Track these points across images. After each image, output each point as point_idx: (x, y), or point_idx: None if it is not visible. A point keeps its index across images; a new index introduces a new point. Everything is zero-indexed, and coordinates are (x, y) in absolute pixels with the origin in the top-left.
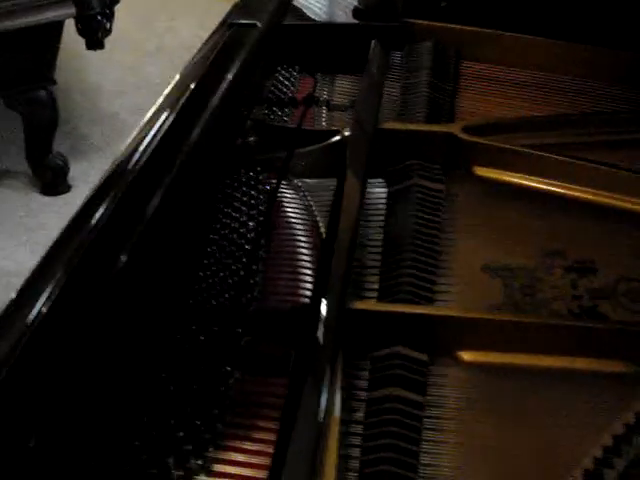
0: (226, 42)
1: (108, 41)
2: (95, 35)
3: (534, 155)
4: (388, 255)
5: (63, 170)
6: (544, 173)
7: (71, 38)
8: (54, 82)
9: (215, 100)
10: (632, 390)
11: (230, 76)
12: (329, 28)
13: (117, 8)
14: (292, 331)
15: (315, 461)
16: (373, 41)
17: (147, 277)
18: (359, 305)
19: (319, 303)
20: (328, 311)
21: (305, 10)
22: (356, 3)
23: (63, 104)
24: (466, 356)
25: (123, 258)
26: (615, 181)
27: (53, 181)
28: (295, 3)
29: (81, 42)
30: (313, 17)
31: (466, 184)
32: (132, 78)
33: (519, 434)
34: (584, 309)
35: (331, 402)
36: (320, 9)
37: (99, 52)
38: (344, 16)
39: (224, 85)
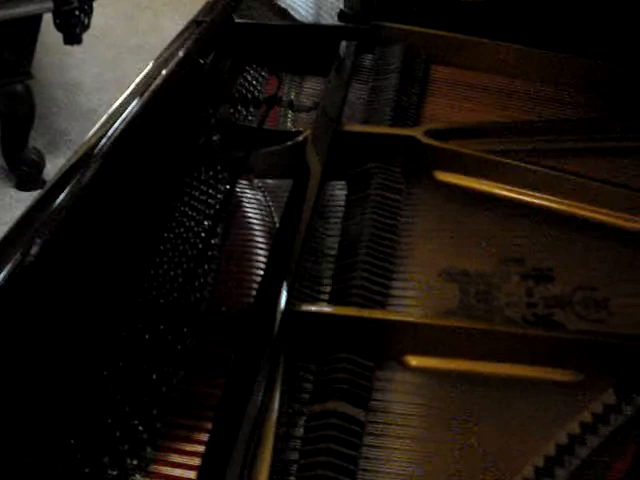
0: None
1: (89, 36)
2: (73, 30)
3: (496, 161)
4: (343, 258)
5: (38, 165)
6: (506, 180)
7: (51, 33)
8: (31, 76)
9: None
10: (578, 399)
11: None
12: (300, 29)
13: (102, 4)
14: (236, 332)
15: (246, 462)
16: (342, 42)
17: (98, 269)
18: (305, 307)
19: (263, 304)
20: (271, 312)
21: (291, 11)
22: (342, 6)
23: (41, 99)
24: (413, 361)
25: (76, 248)
26: (578, 190)
27: (28, 176)
28: (281, 4)
29: (61, 37)
30: (299, 19)
31: (427, 189)
32: (112, 74)
33: (462, 440)
34: (539, 317)
35: (268, 404)
36: (307, 11)
37: (80, 48)
38: (330, 19)
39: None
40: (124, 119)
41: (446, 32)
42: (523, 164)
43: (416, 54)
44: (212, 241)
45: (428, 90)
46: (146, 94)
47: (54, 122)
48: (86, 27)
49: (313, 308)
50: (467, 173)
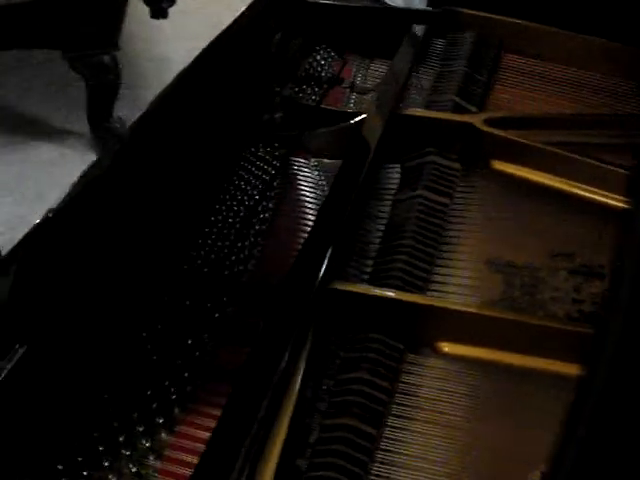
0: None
1: (180, 13)
2: (159, 4)
3: (554, 153)
4: (388, 240)
5: (121, 134)
6: (563, 173)
7: (143, 7)
8: (118, 48)
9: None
10: None
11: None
12: (369, 11)
13: None
14: (271, 304)
15: (260, 432)
16: (413, 26)
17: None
18: (341, 286)
19: (297, 278)
20: (304, 287)
21: None
22: None
23: (129, 71)
24: (446, 347)
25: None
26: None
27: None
28: None
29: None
30: (389, 3)
31: (483, 177)
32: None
33: (489, 430)
34: (584, 314)
35: (291, 377)
36: None
37: (170, 23)
38: (420, 4)
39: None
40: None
41: (521, 20)
42: (581, 157)
43: (488, 42)
44: (261, 216)
45: (497, 78)
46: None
47: (140, 94)
48: (172, 2)
49: (348, 287)
50: (524, 163)
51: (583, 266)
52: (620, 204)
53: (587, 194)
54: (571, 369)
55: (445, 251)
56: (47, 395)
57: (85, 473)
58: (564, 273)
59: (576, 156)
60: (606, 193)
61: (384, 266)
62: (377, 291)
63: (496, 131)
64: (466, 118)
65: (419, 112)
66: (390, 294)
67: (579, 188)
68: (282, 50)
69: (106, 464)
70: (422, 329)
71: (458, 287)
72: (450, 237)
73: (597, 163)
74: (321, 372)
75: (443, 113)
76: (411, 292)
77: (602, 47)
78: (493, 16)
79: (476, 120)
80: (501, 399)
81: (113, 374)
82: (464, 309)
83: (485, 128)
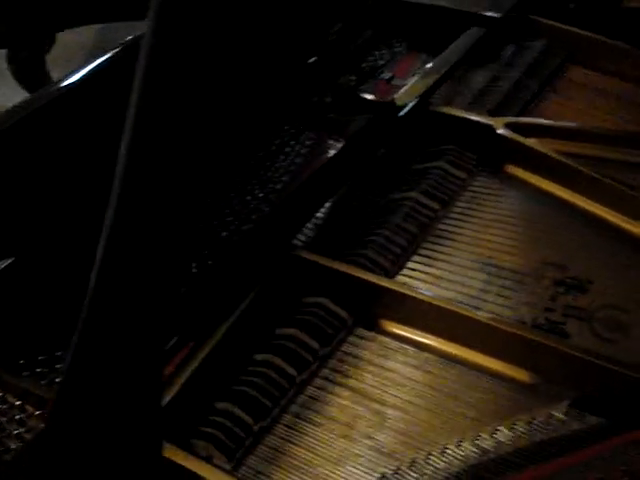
0: None
1: None
2: None
3: (567, 165)
4: (372, 225)
5: None
6: (573, 185)
7: None
8: None
9: None
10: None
11: None
12: (443, 11)
13: None
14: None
15: None
16: (473, 29)
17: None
18: (305, 254)
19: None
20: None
21: None
22: None
23: None
24: (392, 327)
25: None
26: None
27: None
28: None
29: None
30: None
31: (494, 179)
32: None
33: (402, 406)
34: (550, 322)
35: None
36: None
37: None
38: None
39: None
40: None
41: (592, 34)
42: (595, 173)
43: (554, 52)
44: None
45: (554, 89)
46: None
47: None
48: None
49: (310, 257)
50: (536, 171)
51: (572, 278)
52: (624, 225)
53: (593, 209)
54: (509, 370)
55: (437, 243)
56: None
57: None
58: (548, 282)
59: (588, 170)
60: (612, 212)
61: (358, 246)
62: (335, 264)
63: (512, 135)
64: (487, 120)
65: (445, 109)
66: (345, 269)
67: (586, 203)
68: (343, 39)
69: None
70: (373, 307)
71: (434, 279)
72: (445, 232)
73: (610, 182)
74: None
75: (466, 113)
76: (369, 272)
77: None
78: (563, 26)
79: (497, 123)
80: (430, 384)
81: None
82: (416, 295)
83: (502, 131)
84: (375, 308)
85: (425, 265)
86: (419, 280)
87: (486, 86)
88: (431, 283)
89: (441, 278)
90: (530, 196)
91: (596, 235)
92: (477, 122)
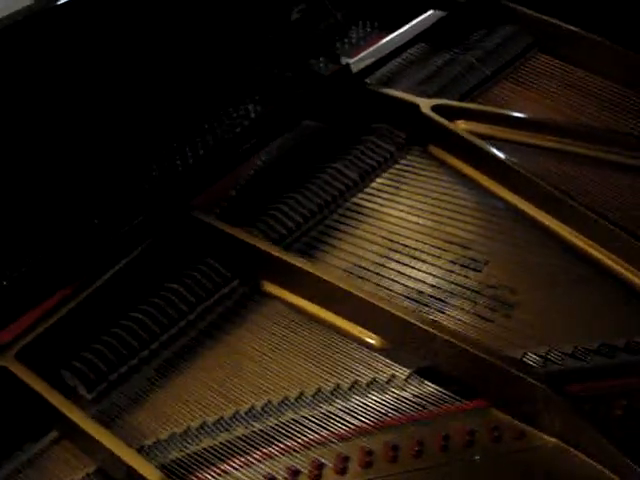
0: None
1: None
2: None
3: (483, 150)
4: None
5: None
6: (487, 170)
7: None
8: None
9: None
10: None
11: None
12: None
13: None
14: None
15: None
16: (434, 12)
17: None
18: (199, 215)
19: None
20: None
21: None
22: None
23: None
24: (269, 287)
25: None
26: (552, 201)
27: None
28: None
29: None
30: None
31: (417, 158)
32: None
33: (261, 359)
34: (433, 297)
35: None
36: None
37: None
38: None
39: None
40: None
41: (557, 20)
42: (507, 159)
43: (520, 39)
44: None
45: (513, 76)
46: None
47: None
48: None
49: (203, 218)
50: (455, 153)
51: (471, 259)
52: (533, 212)
53: (505, 195)
54: (365, 335)
55: (342, 215)
56: None
57: None
58: (447, 260)
59: (504, 159)
60: (523, 199)
61: (263, 211)
62: (227, 227)
63: (437, 117)
64: (414, 99)
65: (378, 88)
66: (235, 232)
67: (499, 188)
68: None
69: None
70: (258, 270)
71: (332, 248)
72: (358, 206)
73: (520, 169)
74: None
75: (396, 92)
76: (264, 237)
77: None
78: (535, 14)
79: (423, 103)
80: (290, 341)
81: None
82: (295, 262)
83: (426, 111)
84: (259, 271)
85: (328, 235)
86: (316, 249)
87: (439, 68)
88: (328, 252)
89: (340, 249)
90: (447, 177)
91: (503, 219)
92: (404, 101)
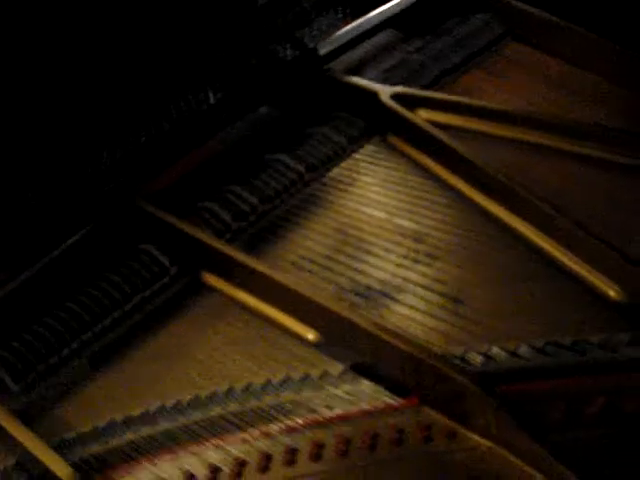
0: None
1: None
2: None
3: (442, 141)
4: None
5: None
6: (445, 161)
7: None
8: None
9: None
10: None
11: None
12: None
13: None
14: None
15: None
16: None
17: None
18: (142, 204)
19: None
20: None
21: None
22: None
23: None
24: (209, 278)
25: None
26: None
27: None
28: None
29: None
30: None
31: (375, 148)
32: None
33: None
34: (380, 292)
35: None
36: None
37: None
38: None
39: None
40: None
41: (538, 10)
42: (462, 150)
43: (492, 27)
44: None
45: (483, 64)
46: None
47: None
48: None
49: (146, 206)
50: (413, 143)
51: (423, 252)
52: (491, 207)
53: (462, 187)
54: (302, 329)
55: (294, 206)
56: None
57: None
58: (399, 253)
59: (464, 151)
60: (479, 192)
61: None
62: (169, 217)
63: (395, 106)
64: (374, 87)
65: (338, 75)
66: (177, 223)
67: (456, 180)
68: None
69: None
70: (199, 261)
71: (281, 239)
72: (311, 197)
73: (477, 161)
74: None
75: (357, 79)
76: (208, 228)
77: (613, 52)
78: (512, 1)
79: (383, 91)
80: (223, 332)
81: None
82: (234, 255)
83: (385, 100)
84: (200, 263)
85: (279, 226)
86: (265, 240)
87: (408, 56)
88: (277, 244)
89: (289, 240)
90: (405, 167)
91: (458, 211)
92: (363, 89)
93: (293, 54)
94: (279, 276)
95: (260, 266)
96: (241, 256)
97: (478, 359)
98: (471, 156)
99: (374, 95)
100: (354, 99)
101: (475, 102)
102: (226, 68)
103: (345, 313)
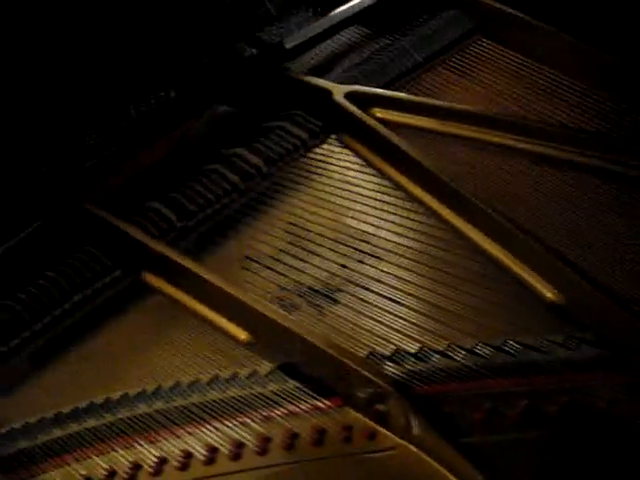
0: None
1: None
2: None
3: (391, 142)
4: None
5: None
6: (394, 161)
7: None
8: None
9: None
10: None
11: None
12: None
13: None
14: None
15: None
16: None
17: None
18: (87, 205)
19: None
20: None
21: None
22: None
23: None
24: (150, 279)
25: None
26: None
27: None
28: None
29: None
30: None
31: (329, 146)
32: None
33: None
34: (327, 288)
35: None
36: None
37: None
38: None
39: None
40: None
41: (505, 6)
42: (411, 150)
43: (460, 24)
44: None
45: (448, 62)
46: None
47: None
48: None
49: (89, 207)
50: (364, 142)
51: (366, 252)
52: (435, 205)
53: (408, 186)
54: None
55: (245, 205)
56: None
57: None
58: (345, 251)
59: (408, 150)
60: (424, 192)
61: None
62: (108, 216)
63: (348, 105)
64: (328, 86)
65: (295, 73)
66: (114, 222)
67: (404, 180)
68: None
69: None
70: (141, 262)
71: (235, 235)
72: (262, 196)
73: (426, 164)
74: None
75: (312, 78)
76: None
77: (582, 51)
78: None
79: (337, 90)
80: (161, 332)
81: None
82: (171, 255)
83: (339, 99)
84: (141, 263)
85: (225, 226)
86: (210, 240)
87: (372, 54)
88: (222, 243)
89: (235, 240)
90: (356, 167)
91: (407, 211)
92: (318, 87)
93: (252, 53)
94: (212, 277)
95: (194, 267)
96: (177, 256)
97: (409, 360)
98: (419, 156)
99: (328, 94)
100: (310, 98)
101: (431, 101)
102: (181, 66)
103: (273, 315)
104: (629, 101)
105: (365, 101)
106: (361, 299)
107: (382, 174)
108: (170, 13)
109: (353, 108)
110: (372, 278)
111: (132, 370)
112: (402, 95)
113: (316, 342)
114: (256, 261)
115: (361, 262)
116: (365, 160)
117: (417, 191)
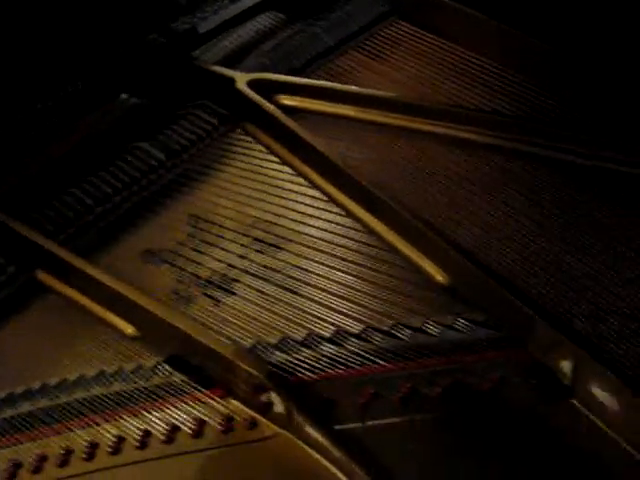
0: None
1: None
2: None
3: (292, 130)
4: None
5: None
6: (296, 149)
7: None
8: None
9: None
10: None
11: None
12: None
13: None
14: None
15: None
16: None
17: None
18: None
19: None
20: None
21: None
22: None
23: None
24: (43, 277)
25: None
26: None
27: None
28: None
29: None
30: None
31: (234, 135)
32: None
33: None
34: (225, 277)
35: None
36: None
37: None
38: None
39: None
40: None
41: None
42: (311, 139)
43: (374, 7)
44: None
45: (362, 45)
46: None
47: None
48: None
49: None
50: (266, 130)
51: (267, 243)
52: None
53: (309, 174)
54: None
55: (147, 197)
56: None
57: None
58: (248, 240)
59: (308, 139)
60: (326, 181)
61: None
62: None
63: (250, 92)
64: (231, 74)
65: (199, 61)
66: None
67: (305, 168)
68: None
69: None
70: (33, 259)
71: (129, 233)
72: (166, 187)
73: (321, 151)
74: None
75: (215, 66)
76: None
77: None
78: None
79: (240, 77)
80: (56, 331)
81: None
82: (59, 253)
83: (242, 87)
84: (35, 262)
85: (128, 218)
86: (113, 233)
87: (284, 40)
88: (125, 236)
89: (138, 233)
90: (260, 155)
91: (309, 199)
92: (221, 76)
93: (159, 42)
94: (98, 273)
95: (82, 264)
96: (66, 254)
97: (296, 348)
98: (314, 142)
99: (231, 82)
100: (215, 87)
101: (337, 86)
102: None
103: (156, 309)
104: (550, 85)
105: (269, 88)
106: (257, 289)
107: (283, 162)
108: (77, 5)
109: (255, 96)
110: (270, 268)
111: (16, 368)
112: (309, 81)
113: (197, 335)
114: (156, 255)
115: (260, 252)
116: (267, 148)
117: (316, 178)
